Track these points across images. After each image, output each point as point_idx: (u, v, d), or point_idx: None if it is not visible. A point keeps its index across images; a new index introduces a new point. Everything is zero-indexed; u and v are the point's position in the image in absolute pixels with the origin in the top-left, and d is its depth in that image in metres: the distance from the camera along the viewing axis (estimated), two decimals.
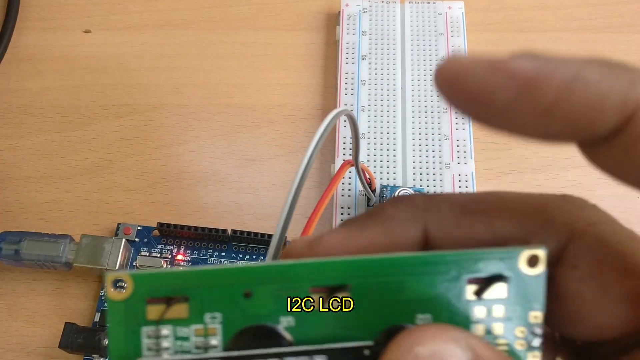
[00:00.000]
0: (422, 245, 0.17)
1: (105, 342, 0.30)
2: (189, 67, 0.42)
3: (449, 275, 0.15)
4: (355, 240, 0.16)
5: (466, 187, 0.36)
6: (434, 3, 0.42)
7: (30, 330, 0.34)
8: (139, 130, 0.39)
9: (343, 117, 0.36)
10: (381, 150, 0.37)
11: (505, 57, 0.12)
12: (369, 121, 0.38)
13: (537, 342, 0.15)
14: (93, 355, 0.31)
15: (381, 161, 0.37)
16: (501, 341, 0.15)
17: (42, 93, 0.41)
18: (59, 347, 0.31)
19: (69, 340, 0.31)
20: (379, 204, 0.17)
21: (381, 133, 0.37)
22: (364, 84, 0.39)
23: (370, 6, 0.42)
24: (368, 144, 0.37)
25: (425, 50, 0.40)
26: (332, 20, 0.43)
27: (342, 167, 0.31)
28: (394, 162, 0.37)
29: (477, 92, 0.13)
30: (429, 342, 0.13)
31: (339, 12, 0.42)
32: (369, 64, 0.40)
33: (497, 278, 0.15)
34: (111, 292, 0.15)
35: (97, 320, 0.33)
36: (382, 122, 0.38)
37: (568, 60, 0.12)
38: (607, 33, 0.43)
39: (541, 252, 0.15)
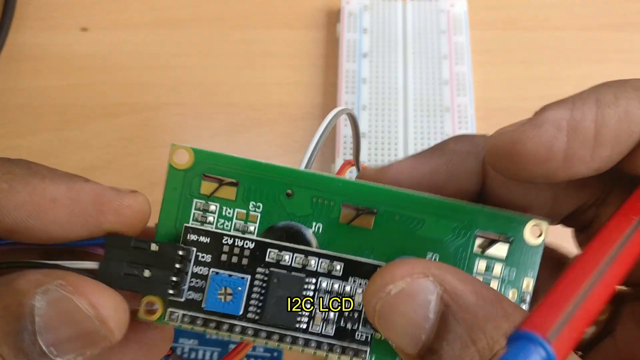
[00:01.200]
0: (480, 177, 0.18)
1: None
2: (188, 65, 0.41)
3: (463, 224, 0.17)
4: (420, 168, 0.18)
5: None
6: (436, 1, 0.41)
7: None
8: (138, 130, 0.39)
9: (344, 116, 0.36)
10: (382, 149, 0.36)
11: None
12: (370, 120, 0.37)
13: (524, 307, 0.17)
14: None
15: (382, 161, 0.36)
16: None
17: (39, 92, 0.40)
18: None
19: None
20: (442, 141, 0.18)
21: (382, 132, 0.37)
22: (364, 83, 0.38)
23: (371, 4, 0.41)
24: (369, 143, 0.37)
25: (427, 48, 0.40)
26: (333, 17, 0.43)
27: (342, 167, 0.31)
28: None
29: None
30: (399, 280, 0.15)
31: (340, 9, 0.41)
32: (370, 62, 0.39)
33: (502, 238, 0.17)
34: (174, 160, 0.17)
35: None
36: (383, 121, 0.37)
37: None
38: (610, 31, 0.43)
39: (544, 225, 0.17)
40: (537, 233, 0.17)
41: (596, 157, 0.15)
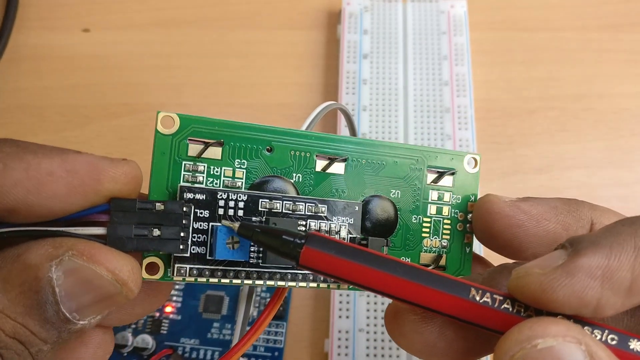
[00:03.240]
0: None
1: None
2: (189, 66, 0.41)
3: (415, 161, 0.21)
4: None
5: None
6: (437, 2, 0.41)
7: None
8: (138, 130, 0.39)
9: (344, 119, 0.36)
10: None
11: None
12: (370, 121, 0.37)
13: (469, 227, 0.21)
14: None
15: None
16: (447, 221, 0.21)
17: (41, 93, 0.40)
18: None
19: None
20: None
21: (382, 133, 0.37)
22: (365, 83, 0.38)
23: (371, 5, 0.41)
24: None
25: (427, 49, 0.40)
26: (333, 18, 0.43)
27: None
28: None
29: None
30: (550, 337, 0.14)
31: (340, 10, 0.41)
32: (371, 63, 0.39)
33: (448, 171, 0.21)
34: (160, 127, 0.18)
35: None
36: (383, 122, 0.37)
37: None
38: (611, 32, 0.43)
39: (478, 157, 0.21)
40: (472, 164, 0.21)
41: (627, 304, 0.15)
